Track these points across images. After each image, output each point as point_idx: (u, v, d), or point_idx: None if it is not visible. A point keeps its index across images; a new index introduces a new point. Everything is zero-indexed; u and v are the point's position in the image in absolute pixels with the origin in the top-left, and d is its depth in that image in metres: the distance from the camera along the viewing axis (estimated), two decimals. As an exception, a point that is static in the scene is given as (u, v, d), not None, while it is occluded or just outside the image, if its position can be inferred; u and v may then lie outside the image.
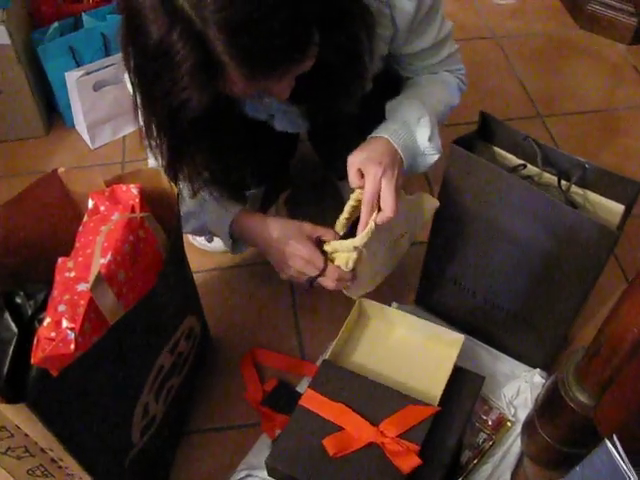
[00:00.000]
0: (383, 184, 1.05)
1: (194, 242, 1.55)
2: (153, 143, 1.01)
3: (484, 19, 2.30)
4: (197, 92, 0.83)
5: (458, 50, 1.25)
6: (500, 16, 2.32)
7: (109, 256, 0.89)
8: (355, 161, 1.09)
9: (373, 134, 1.13)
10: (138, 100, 0.95)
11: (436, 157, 1.17)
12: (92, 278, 0.84)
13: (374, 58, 1.09)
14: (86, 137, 1.85)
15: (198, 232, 1.32)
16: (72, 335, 0.83)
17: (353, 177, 1.09)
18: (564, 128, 1.88)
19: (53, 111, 1.94)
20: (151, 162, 1.21)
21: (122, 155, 1.84)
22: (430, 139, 1.13)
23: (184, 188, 1.13)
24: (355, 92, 1.09)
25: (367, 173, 1.06)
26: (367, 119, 1.20)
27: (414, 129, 1.13)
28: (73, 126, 1.89)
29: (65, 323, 0.84)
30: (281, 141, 1.34)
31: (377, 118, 1.20)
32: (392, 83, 1.28)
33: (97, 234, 0.92)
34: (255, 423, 1.27)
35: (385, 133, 1.11)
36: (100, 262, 0.88)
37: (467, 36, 2.20)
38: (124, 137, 1.89)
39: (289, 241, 1.13)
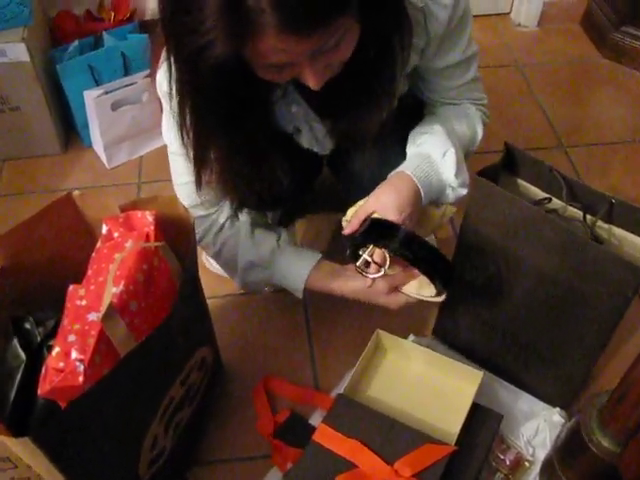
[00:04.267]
0: None
1: (210, 267, 1.53)
2: (184, 133, 0.97)
3: (506, 46, 2.28)
4: (222, 35, 0.77)
5: (482, 79, 1.23)
6: (522, 43, 2.30)
7: (121, 285, 0.87)
8: (376, 205, 1.07)
9: (398, 169, 1.12)
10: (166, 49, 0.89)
11: (464, 192, 1.15)
12: (103, 308, 0.81)
13: (405, 69, 1.06)
14: (103, 156, 1.84)
15: (258, 286, 1.32)
16: (81, 367, 0.80)
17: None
18: (586, 159, 1.85)
19: (71, 129, 1.93)
20: (196, 212, 1.21)
21: (138, 176, 1.82)
22: (457, 175, 1.11)
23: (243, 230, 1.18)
24: (383, 106, 1.06)
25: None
26: (387, 145, 1.19)
27: (439, 164, 1.11)
28: (90, 145, 1.88)
29: (74, 354, 0.82)
30: (306, 161, 1.33)
31: (398, 144, 1.19)
32: (415, 110, 1.26)
33: (110, 261, 0.90)
34: (266, 455, 1.24)
35: (409, 169, 1.10)
36: (112, 291, 0.85)
37: (489, 63, 2.18)
38: (141, 157, 1.88)
39: (376, 301, 1.17)
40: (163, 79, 0.92)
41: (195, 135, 0.97)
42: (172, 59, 0.86)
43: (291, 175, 1.13)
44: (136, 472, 0.99)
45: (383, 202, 1.07)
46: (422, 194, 1.09)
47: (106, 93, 1.70)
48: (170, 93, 0.92)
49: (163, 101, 1.06)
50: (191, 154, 1.00)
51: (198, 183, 1.06)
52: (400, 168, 1.12)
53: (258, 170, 1.08)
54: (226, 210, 1.24)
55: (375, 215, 1.07)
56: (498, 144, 1.14)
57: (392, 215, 1.04)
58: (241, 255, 1.25)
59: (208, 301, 1.20)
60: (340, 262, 1.21)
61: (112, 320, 0.83)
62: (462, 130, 1.19)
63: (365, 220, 1.08)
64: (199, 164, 1.03)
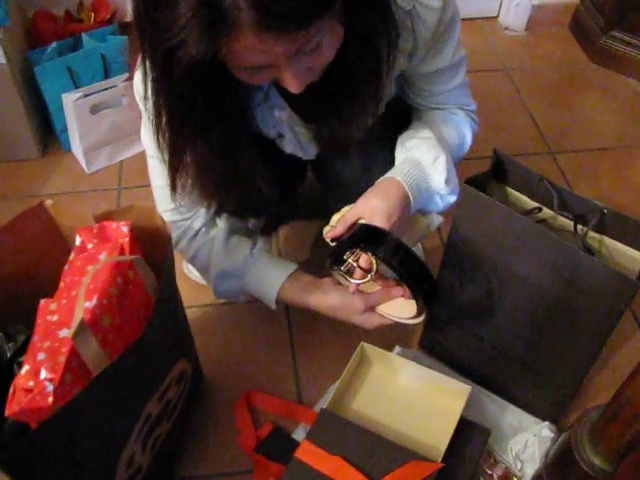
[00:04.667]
0: None
1: (190, 274, 1.49)
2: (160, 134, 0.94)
3: (494, 50, 2.26)
4: (196, 34, 0.73)
5: (470, 85, 1.20)
6: (510, 47, 2.28)
7: (94, 300, 0.83)
8: (364, 210, 1.04)
9: (387, 174, 1.09)
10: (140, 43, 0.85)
11: (453, 199, 1.13)
12: (74, 324, 0.77)
13: (392, 72, 1.03)
14: (82, 161, 1.80)
15: (232, 294, 1.29)
16: (51, 387, 0.77)
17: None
18: (575, 165, 1.83)
19: (49, 133, 1.89)
20: (170, 217, 1.19)
21: (118, 181, 1.78)
22: (447, 182, 1.08)
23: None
24: (369, 111, 1.03)
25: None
26: (374, 150, 1.17)
27: (429, 171, 1.09)
28: (70, 149, 1.84)
29: (44, 373, 0.78)
30: (290, 166, 1.29)
31: (384, 150, 1.16)
32: (402, 115, 1.23)
33: (83, 274, 0.86)
34: (247, 470, 1.21)
35: (399, 175, 1.07)
36: (84, 306, 0.81)
37: (477, 68, 2.15)
38: (121, 162, 1.84)
39: (350, 319, 1.15)
40: (139, 80, 0.89)
41: (170, 138, 0.93)
42: (146, 59, 0.83)
43: (273, 181, 1.10)
44: (111, 492, 0.95)
45: (372, 207, 1.04)
46: (411, 201, 1.06)
47: (85, 96, 1.66)
48: (146, 95, 0.88)
49: (140, 103, 1.02)
50: (166, 157, 0.97)
51: (173, 187, 1.02)
52: (389, 173, 1.09)
53: (236, 176, 1.04)
54: (202, 216, 1.21)
55: (362, 221, 1.04)
56: (486, 150, 1.12)
57: (381, 221, 1.02)
58: (214, 263, 1.21)
59: (188, 311, 1.17)
60: (321, 272, 1.18)
61: (83, 337, 0.79)
62: (451, 136, 1.16)
63: (352, 225, 1.05)
64: (174, 168, 0.99)
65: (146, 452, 1.01)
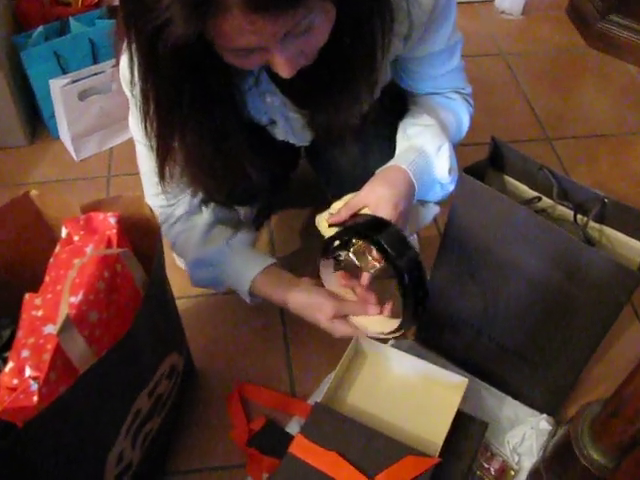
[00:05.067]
0: None
1: (180, 264, 1.46)
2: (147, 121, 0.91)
3: (490, 34, 2.23)
4: (181, 13, 0.70)
5: (465, 68, 1.18)
6: (506, 31, 2.25)
7: (80, 295, 0.80)
8: (370, 198, 1.01)
9: (392, 162, 1.06)
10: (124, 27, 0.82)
11: (452, 188, 1.11)
12: (59, 320, 0.74)
13: (387, 56, 1.00)
14: (70, 148, 1.76)
15: (208, 284, 1.26)
16: (35, 385, 0.74)
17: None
18: (573, 152, 1.80)
19: (37, 120, 1.85)
20: (155, 201, 1.15)
21: (108, 169, 1.75)
22: (450, 170, 1.06)
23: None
24: (363, 96, 1.00)
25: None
26: (370, 137, 1.15)
27: (433, 160, 1.07)
28: (58, 136, 1.81)
29: (28, 371, 0.75)
30: (281, 153, 1.26)
31: (380, 136, 1.14)
32: (398, 100, 1.21)
33: (69, 268, 0.83)
34: (240, 465, 1.18)
35: (404, 163, 1.05)
36: (70, 301, 0.79)
37: (472, 52, 2.12)
38: (111, 150, 1.80)
39: (318, 322, 1.10)
40: (126, 65, 0.86)
41: (158, 125, 0.90)
42: (132, 42, 0.80)
43: (264, 169, 1.07)
44: (100, 489, 0.93)
45: (377, 195, 1.01)
46: (416, 189, 1.04)
47: (73, 82, 1.62)
48: (132, 81, 0.85)
49: (126, 90, 0.99)
50: (154, 145, 0.94)
51: (161, 174, 1.00)
52: (394, 161, 1.07)
53: (226, 164, 1.02)
54: (184, 204, 1.18)
55: (366, 210, 1.01)
56: (481, 136, 1.10)
57: (387, 209, 0.99)
58: (191, 251, 1.19)
59: (179, 301, 1.15)
60: (314, 261, 1.14)
61: (69, 333, 0.76)
62: (449, 121, 1.14)
63: (356, 214, 1.02)
64: (162, 156, 0.96)
65: (136, 448, 0.99)
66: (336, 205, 1.08)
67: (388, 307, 1.02)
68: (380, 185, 1.03)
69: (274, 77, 1.02)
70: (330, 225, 1.04)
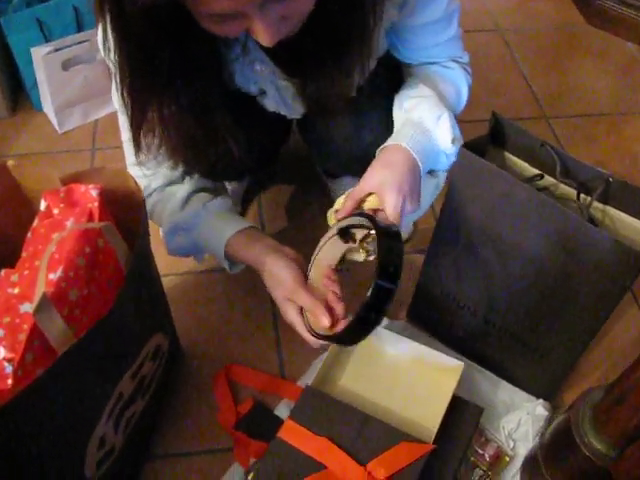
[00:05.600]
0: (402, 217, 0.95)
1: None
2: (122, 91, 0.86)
3: (487, 10, 2.18)
4: None
5: (462, 37, 1.14)
6: (504, 6, 2.20)
7: (59, 271, 0.75)
8: (372, 184, 0.97)
9: (390, 141, 1.02)
10: None
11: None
12: (36, 299, 0.70)
13: (381, 25, 0.95)
14: (54, 120, 1.71)
15: (184, 251, 1.20)
16: (10, 368, 0.70)
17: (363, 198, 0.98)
18: (570, 131, 1.77)
19: (19, 90, 1.79)
20: (134, 171, 1.08)
21: (92, 141, 1.70)
22: (453, 140, 1.02)
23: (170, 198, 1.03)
24: (355, 67, 0.96)
25: (386, 202, 0.95)
26: (364, 110, 1.11)
27: (434, 131, 1.02)
28: (41, 108, 1.75)
29: (3, 352, 0.71)
30: (271, 126, 1.21)
31: (375, 109, 1.10)
32: (394, 72, 1.17)
33: (48, 242, 0.78)
34: (227, 448, 1.15)
35: (403, 140, 1.00)
36: (49, 278, 0.74)
37: (469, 27, 2.07)
38: (96, 121, 1.75)
39: (274, 297, 1.05)
40: (100, 28, 0.81)
41: (132, 93, 0.86)
42: (104, 3, 0.75)
43: (250, 143, 1.03)
44: (81, 474, 0.89)
45: (380, 180, 0.96)
46: (420, 167, 1.00)
47: (56, 50, 1.56)
48: (106, 44, 0.80)
49: (104, 55, 0.94)
50: (129, 113, 0.89)
51: (136, 145, 0.95)
52: (392, 140, 1.02)
53: (206, 136, 0.97)
54: (162, 177, 1.13)
55: (372, 197, 0.97)
56: (477, 113, 1.06)
57: (391, 193, 0.94)
58: (167, 217, 1.13)
59: (165, 279, 1.11)
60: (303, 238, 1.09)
61: (46, 312, 0.71)
62: (449, 92, 1.10)
63: (361, 201, 0.98)
64: (137, 125, 0.92)
65: (119, 432, 0.95)
66: (340, 199, 1.03)
67: (339, 326, 0.95)
68: (381, 168, 0.98)
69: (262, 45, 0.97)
70: (338, 220, 1.00)
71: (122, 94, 0.86)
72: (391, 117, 1.12)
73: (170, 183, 1.14)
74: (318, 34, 0.87)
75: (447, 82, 1.11)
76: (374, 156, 1.03)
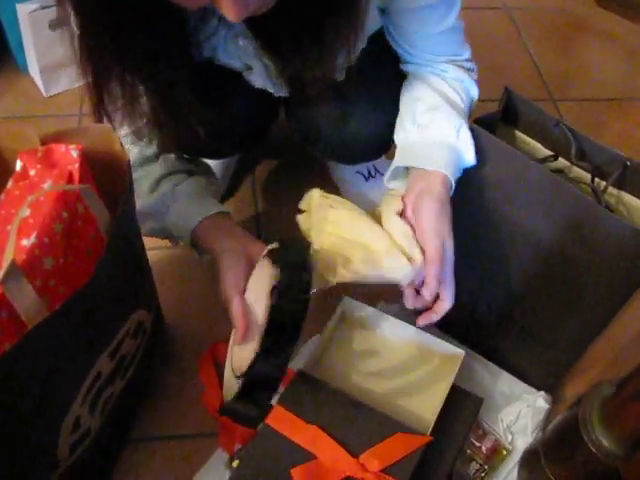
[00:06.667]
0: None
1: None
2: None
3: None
4: None
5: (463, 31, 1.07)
6: (511, -17, 2.15)
7: (33, 237, 0.69)
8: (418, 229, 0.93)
9: (428, 167, 0.96)
10: None
11: None
12: (4, 266, 0.63)
13: (367, 6, 0.87)
14: (39, 83, 1.64)
15: (157, 235, 1.12)
16: (-26, 342, 0.63)
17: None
18: (578, 115, 1.72)
19: (3, 50, 1.71)
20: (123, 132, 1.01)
21: (80, 107, 1.63)
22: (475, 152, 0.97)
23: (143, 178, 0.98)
24: (337, 49, 0.89)
25: (428, 245, 0.91)
26: (352, 98, 1.06)
27: (459, 147, 0.96)
28: (26, 69, 1.68)
29: (-33, 325, 0.64)
30: (258, 103, 1.15)
31: (364, 98, 1.06)
32: (387, 60, 1.10)
33: (22, 206, 0.72)
34: (211, 433, 1.10)
35: (444, 168, 0.94)
36: (20, 244, 0.68)
37: (475, 4, 2.02)
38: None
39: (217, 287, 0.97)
40: None
41: (86, 62, 0.80)
42: None
43: (233, 120, 0.99)
44: (54, 458, 0.83)
45: (424, 228, 0.92)
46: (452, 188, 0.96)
47: (43, 8, 1.49)
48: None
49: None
50: (89, 79, 0.83)
51: (97, 115, 0.89)
52: (432, 164, 0.96)
53: (168, 113, 0.91)
54: (137, 153, 1.06)
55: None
56: (483, 92, 1.03)
57: (434, 239, 0.91)
58: (137, 201, 1.04)
59: (149, 253, 1.06)
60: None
61: (15, 281, 0.65)
62: (458, 101, 1.04)
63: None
64: (98, 95, 0.86)
65: (96, 414, 0.89)
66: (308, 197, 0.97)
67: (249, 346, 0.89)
68: (427, 216, 0.93)
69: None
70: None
71: (80, 61, 0.81)
72: (380, 107, 1.08)
73: (145, 161, 1.07)
74: (295, 10, 0.80)
75: (455, 91, 1.06)
76: (362, 145, 0.97)
